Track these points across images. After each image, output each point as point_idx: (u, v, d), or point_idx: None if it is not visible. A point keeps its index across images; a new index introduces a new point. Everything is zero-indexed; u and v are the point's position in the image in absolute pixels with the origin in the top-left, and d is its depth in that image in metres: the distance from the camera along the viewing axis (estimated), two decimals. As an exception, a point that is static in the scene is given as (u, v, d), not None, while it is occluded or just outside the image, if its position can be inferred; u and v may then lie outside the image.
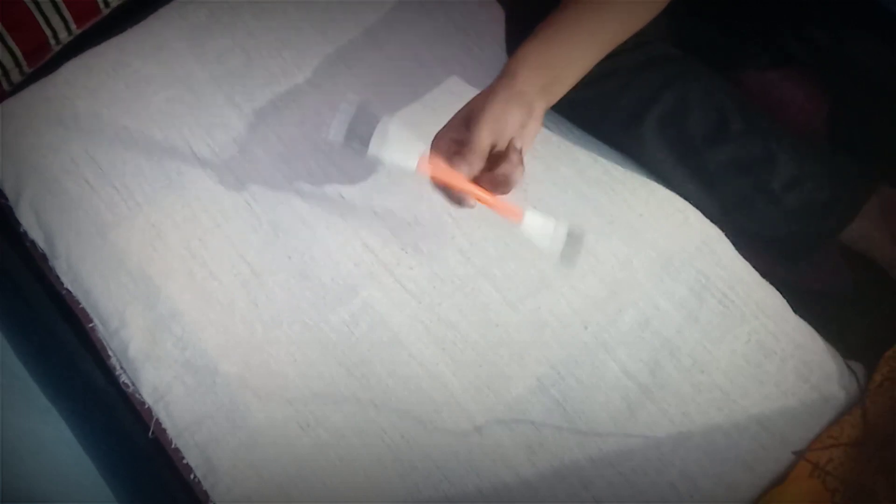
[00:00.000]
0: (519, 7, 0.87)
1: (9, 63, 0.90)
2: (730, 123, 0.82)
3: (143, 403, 0.77)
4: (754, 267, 0.82)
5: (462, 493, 0.74)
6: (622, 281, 0.81)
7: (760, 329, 0.79)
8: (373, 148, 0.68)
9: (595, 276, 0.81)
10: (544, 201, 0.84)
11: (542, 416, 0.77)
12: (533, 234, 0.69)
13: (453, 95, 0.87)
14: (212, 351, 0.78)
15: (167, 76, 0.90)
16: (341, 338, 0.80)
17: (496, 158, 0.68)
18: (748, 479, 0.75)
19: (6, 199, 0.86)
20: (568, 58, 0.71)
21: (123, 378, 0.79)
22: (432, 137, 0.69)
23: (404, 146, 0.68)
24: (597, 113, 0.85)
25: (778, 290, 0.82)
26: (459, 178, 0.66)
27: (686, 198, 0.85)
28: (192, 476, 0.75)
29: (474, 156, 0.66)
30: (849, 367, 0.79)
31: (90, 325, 0.81)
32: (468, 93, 0.71)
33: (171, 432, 0.76)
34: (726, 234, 0.84)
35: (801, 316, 0.81)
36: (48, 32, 0.91)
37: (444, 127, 0.70)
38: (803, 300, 0.82)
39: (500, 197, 0.68)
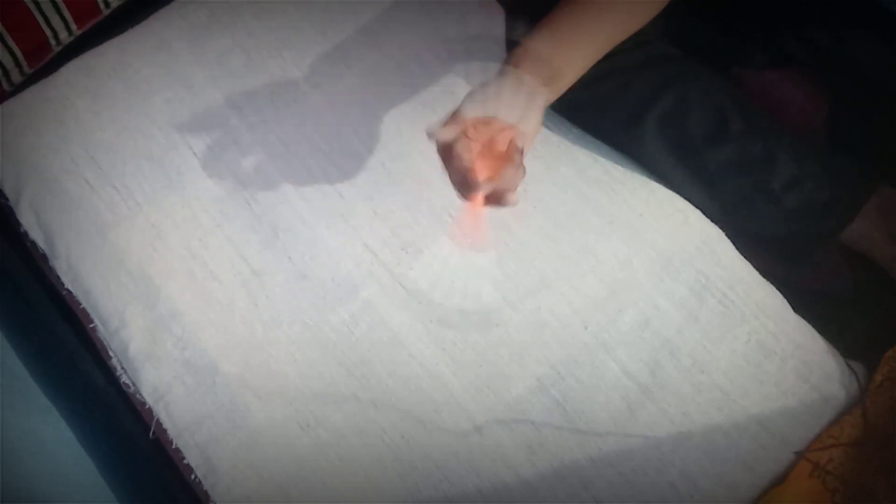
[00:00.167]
0: (519, 7, 0.87)
1: (9, 63, 0.90)
2: (730, 123, 0.82)
3: (144, 403, 0.77)
4: (754, 267, 0.82)
5: (462, 493, 0.74)
6: (622, 281, 0.81)
7: (760, 329, 0.79)
8: None
9: (595, 276, 0.81)
10: (544, 201, 0.84)
11: (542, 416, 0.77)
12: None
13: (453, 95, 0.87)
14: (212, 351, 0.78)
15: (167, 76, 0.90)
16: (341, 338, 0.80)
17: (498, 160, 0.68)
18: (748, 479, 0.75)
19: (6, 199, 0.86)
20: (569, 54, 0.71)
21: (124, 378, 0.79)
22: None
23: None
24: (597, 113, 0.85)
25: (778, 290, 0.82)
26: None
27: (686, 198, 0.85)
28: (192, 476, 0.75)
29: (453, 119, 0.65)
30: (849, 367, 0.79)
31: (90, 325, 0.81)
32: (468, 93, 0.71)
33: (172, 432, 0.76)
34: (726, 234, 0.84)
35: (801, 316, 0.81)
36: (48, 33, 0.91)
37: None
38: (803, 300, 0.82)
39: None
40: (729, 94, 0.83)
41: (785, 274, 0.84)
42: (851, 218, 0.82)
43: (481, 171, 0.66)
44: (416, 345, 0.79)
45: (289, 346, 0.79)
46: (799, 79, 0.91)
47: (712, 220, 0.84)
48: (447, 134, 0.65)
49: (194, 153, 0.87)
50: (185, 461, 0.76)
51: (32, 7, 0.88)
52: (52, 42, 0.93)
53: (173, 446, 0.76)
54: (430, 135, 0.66)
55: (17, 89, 0.91)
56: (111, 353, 0.80)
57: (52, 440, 0.74)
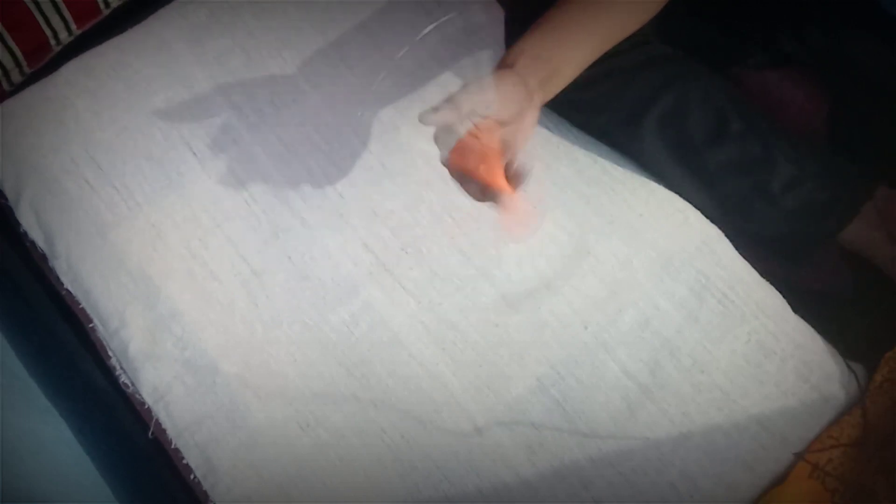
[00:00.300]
0: (519, 7, 0.87)
1: (9, 63, 0.90)
2: (729, 124, 0.82)
3: (143, 403, 0.77)
4: (754, 267, 0.82)
5: (462, 493, 0.74)
6: (622, 281, 0.81)
7: (760, 329, 0.79)
8: None
9: (595, 276, 0.81)
10: (544, 201, 0.84)
11: (542, 416, 0.77)
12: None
13: (453, 95, 0.87)
14: (212, 351, 0.78)
15: (167, 76, 0.90)
16: (341, 338, 0.80)
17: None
18: (748, 479, 0.75)
19: (6, 199, 0.86)
20: (565, 53, 0.71)
21: (123, 378, 0.79)
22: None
23: None
24: (596, 113, 0.85)
25: (778, 290, 0.82)
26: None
27: (686, 198, 0.85)
28: (192, 476, 0.75)
29: (446, 104, 0.64)
30: (849, 367, 0.79)
31: (90, 325, 0.81)
32: (468, 93, 0.71)
33: (171, 432, 0.76)
34: (726, 235, 0.84)
35: (801, 316, 0.81)
36: (48, 33, 0.91)
37: None
38: (803, 300, 0.82)
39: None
40: (729, 94, 0.83)
41: (785, 274, 0.84)
42: (851, 218, 0.82)
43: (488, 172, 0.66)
44: (416, 345, 0.79)
45: (289, 346, 0.79)
46: (799, 79, 0.91)
47: (712, 221, 0.84)
48: (440, 118, 0.64)
49: (194, 153, 0.87)
50: (185, 461, 0.75)
51: (32, 7, 0.88)
52: (52, 42, 0.93)
53: (173, 446, 0.76)
54: (424, 120, 0.65)
55: (17, 89, 0.91)
56: (111, 353, 0.79)
57: (52, 440, 0.74)
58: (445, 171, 0.69)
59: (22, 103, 0.89)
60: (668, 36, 0.86)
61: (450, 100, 0.64)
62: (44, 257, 0.83)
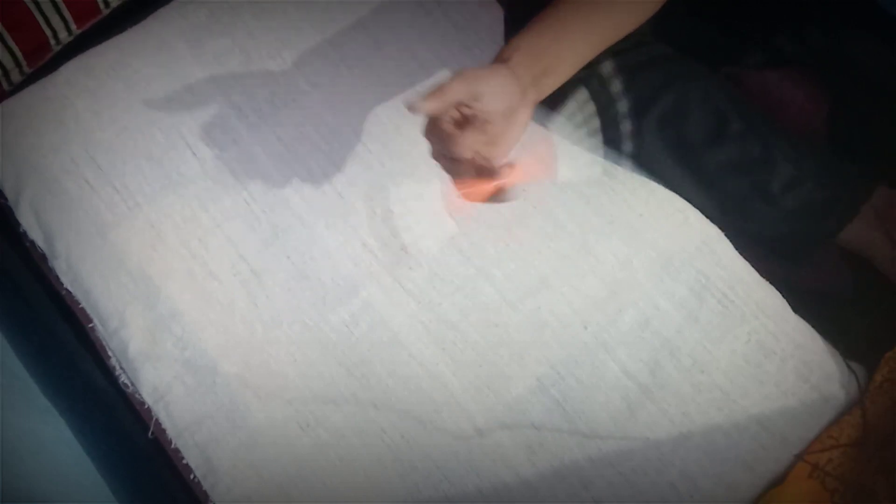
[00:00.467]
0: (518, 7, 0.87)
1: (9, 63, 0.90)
2: (729, 124, 0.81)
3: (143, 403, 0.77)
4: (754, 267, 0.82)
5: (462, 493, 0.74)
6: (622, 281, 0.81)
7: (760, 329, 0.79)
8: None
9: (595, 276, 0.81)
10: (544, 201, 0.84)
11: (542, 416, 0.77)
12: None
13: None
14: (212, 351, 0.78)
15: (167, 76, 0.90)
16: (341, 338, 0.80)
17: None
18: (748, 479, 0.75)
19: (6, 199, 0.86)
20: (561, 50, 0.70)
21: (123, 378, 0.79)
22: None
23: None
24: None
25: (778, 290, 0.82)
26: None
27: (685, 198, 0.85)
28: (191, 476, 0.75)
29: (436, 92, 0.64)
30: (849, 367, 0.79)
31: (90, 325, 0.81)
32: (468, 93, 0.71)
33: (171, 432, 0.76)
34: (726, 234, 0.84)
35: (801, 316, 0.81)
36: (48, 32, 0.91)
37: None
38: (803, 300, 0.82)
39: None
40: (728, 94, 0.83)
41: (785, 274, 0.84)
42: (851, 218, 0.82)
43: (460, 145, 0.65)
44: (416, 345, 0.79)
45: (289, 346, 0.79)
46: (799, 79, 0.91)
47: (712, 221, 0.84)
48: (428, 107, 0.64)
49: (194, 153, 0.87)
50: (185, 461, 0.75)
51: (32, 7, 0.88)
52: (52, 42, 0.93)
53: (173, 446, 0.76)
54: (411, 107, 0.64)
55: (17, 89, 0.91)
56: (111, 353, 0.79)
57: (52, 440, 0.74)
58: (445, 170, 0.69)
59: (22, 103, 0.89)
60: (667, 36, 0.86)
61: (438, 88, 0.64)
62: (44, 257, 0.83)
